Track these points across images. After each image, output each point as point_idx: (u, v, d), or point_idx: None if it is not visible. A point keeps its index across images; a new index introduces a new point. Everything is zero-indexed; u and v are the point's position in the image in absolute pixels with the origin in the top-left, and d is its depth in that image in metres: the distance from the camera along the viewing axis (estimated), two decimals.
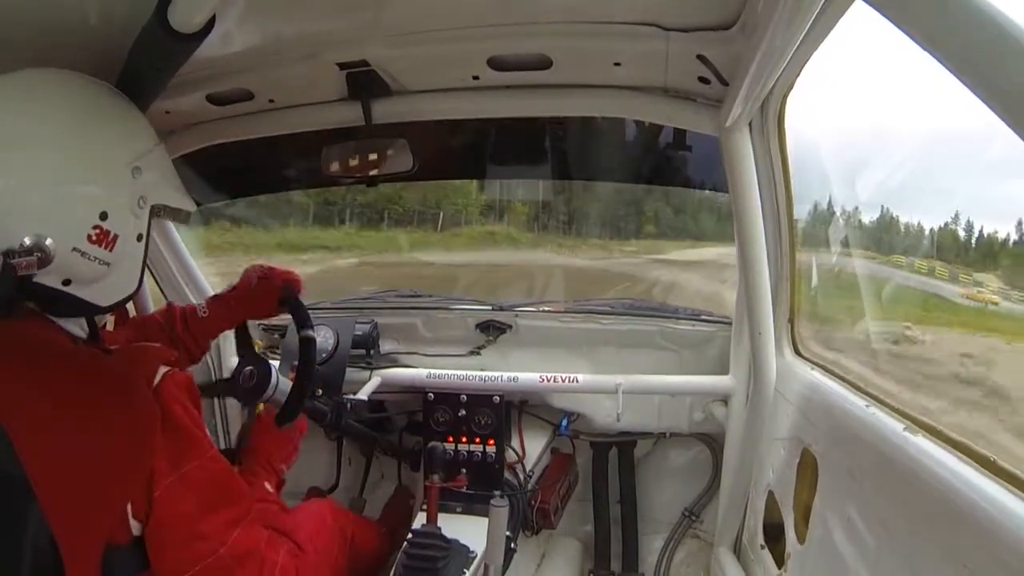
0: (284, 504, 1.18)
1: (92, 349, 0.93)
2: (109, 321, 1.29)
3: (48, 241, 0.81)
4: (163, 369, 0.90)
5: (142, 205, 0.93)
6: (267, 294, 1.34)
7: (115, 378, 0.86)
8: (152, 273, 1.77)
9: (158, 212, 1.00)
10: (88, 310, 0.92)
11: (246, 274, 1.37)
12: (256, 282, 1.35)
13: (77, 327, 0.93)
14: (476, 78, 1.25)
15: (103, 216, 0.86)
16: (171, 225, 1.72)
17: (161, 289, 1.79)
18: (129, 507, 0.85)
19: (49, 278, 0.84)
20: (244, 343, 1.37)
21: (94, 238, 0.86)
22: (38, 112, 0.85)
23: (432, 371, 1.72)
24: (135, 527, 0.86)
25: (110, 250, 0.88)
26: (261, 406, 1.33)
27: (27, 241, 0.79)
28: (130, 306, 1.68)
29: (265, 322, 1.95)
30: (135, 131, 0.95)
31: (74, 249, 0.84)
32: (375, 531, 1.55)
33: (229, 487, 0.96)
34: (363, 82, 1.26)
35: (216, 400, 1.89)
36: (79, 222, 0.85)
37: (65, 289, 0.86)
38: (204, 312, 1.36)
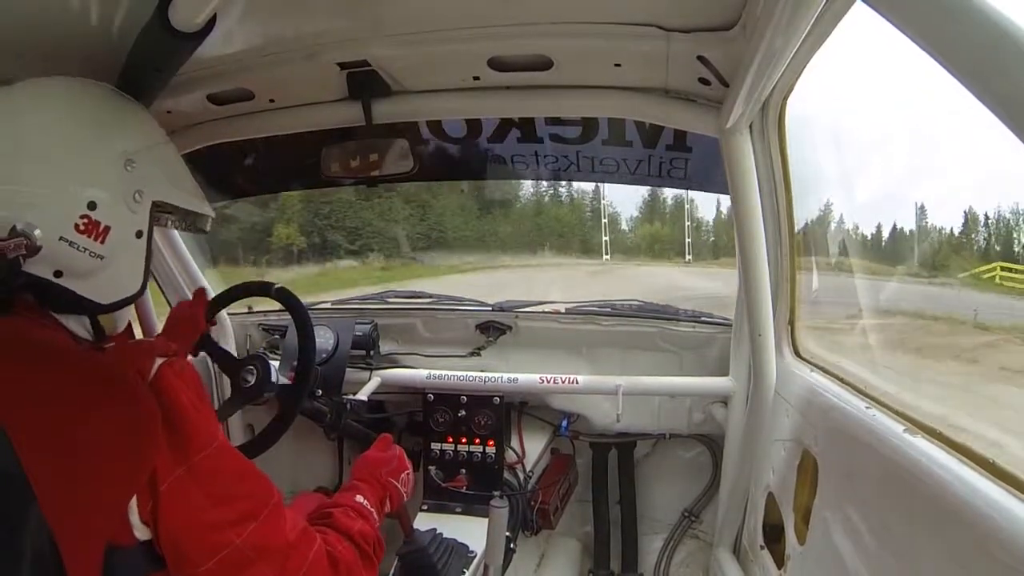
0: (370, 518, 1.09)
1: (91, 348, 0.92)
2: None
3: (36, 231, 0.81)
4: (159, 360, 0.87)
5: (138, 199, 0.92)
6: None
7: (113, 375, 0.85)
8: (152, 273, 1.77)
9: (168, 218, 0.99)
10: (87, 307, 0.91)
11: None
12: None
13: (81, 327, 0.92)
14: (477, 78, 1.25)
15: (91, 206, 0.86)
16: None
17: (161, 289, 1.79)
18: (135, 510, 0.84)
19: (39, 268, 0.83)
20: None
21: (82, 228, 0.85)
22: (25, 106, 0.85)
23: (432, 372, 1.72)
24: (142, 531, 0.84)
25: (101, 242, 0.87)
26: None
27: (17, 227, 0.80)
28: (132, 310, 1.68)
29: (265, 322, 1.95)
30: (131, 125, 0.94)
31: (61, 238, 0.84)
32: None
33: (241, 478, 0.92)
34: (363, 82, 1.26)
35: (216, 398, 1.89)
36: (65, 210, 0.84)
37: (57, 281, 0.86)
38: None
